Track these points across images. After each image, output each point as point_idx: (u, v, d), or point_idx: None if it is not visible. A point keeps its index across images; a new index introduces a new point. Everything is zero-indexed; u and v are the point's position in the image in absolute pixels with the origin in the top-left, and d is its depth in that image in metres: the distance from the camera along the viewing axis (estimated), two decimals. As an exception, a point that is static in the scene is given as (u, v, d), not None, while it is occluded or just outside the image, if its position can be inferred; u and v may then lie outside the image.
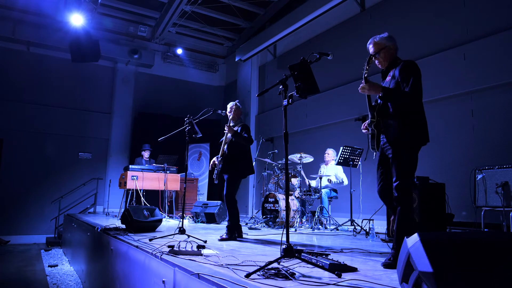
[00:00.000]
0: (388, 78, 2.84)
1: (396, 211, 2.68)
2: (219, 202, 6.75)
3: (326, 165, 6.75)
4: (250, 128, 7.51)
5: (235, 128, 4.46)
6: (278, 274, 2.12)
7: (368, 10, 7.54)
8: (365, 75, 2.73)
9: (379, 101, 2.82)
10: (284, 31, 8.69)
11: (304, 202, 6.30)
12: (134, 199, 6.82)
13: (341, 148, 5.94)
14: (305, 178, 6.57)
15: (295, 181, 6.35)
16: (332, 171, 6.55)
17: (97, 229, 4.78)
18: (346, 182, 6.49)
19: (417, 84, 2.65)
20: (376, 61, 2.90)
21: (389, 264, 2.56)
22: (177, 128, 4.67)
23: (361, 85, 2.75)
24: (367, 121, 2.83)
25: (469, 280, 1.44)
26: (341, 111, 7.62)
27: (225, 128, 4.34)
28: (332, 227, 5.76)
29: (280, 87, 2.70)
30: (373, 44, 2.88)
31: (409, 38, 6.36)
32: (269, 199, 6.18)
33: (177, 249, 2.84)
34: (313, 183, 6.52)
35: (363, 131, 2.91)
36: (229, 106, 4.66)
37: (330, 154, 6.70)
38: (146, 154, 8.31)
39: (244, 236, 4.41)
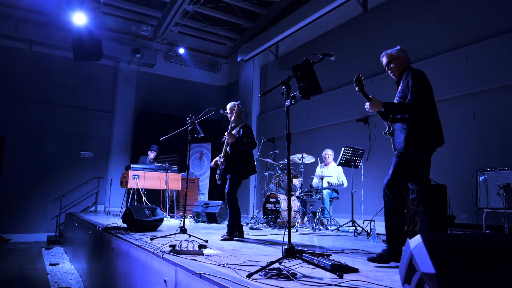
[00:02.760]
0: (399, 88, 3.02)
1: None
2: (220, 202, 6.76)
3: (326, 165, 6.73)
4: (252, 128, 7.48)
5: (236, 129, 4.45)
6: (280, 275, 2.13)
7: (371, 11, 7.54)
8: (370, 96, 2.89)
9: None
10: (286, 31, 8.68)
11: (305, 203, 6.31)
12: (135, 198, 6.83)
13: (343, 149, 5.93)
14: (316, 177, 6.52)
15: (296, 182, 6.35)
16: (334, 172, 6.55)
17: (99, 228, 4.79)
18: (346, 184, 6.49)
19: (417, 93, 2.78)
20: (389, 72, 3.08)
21: (373, 259, 2.75)
22: (179, 127, 4.64)
23: (366, 105, 2.93)
24: (386, 130, 3.10)
25: (471, 281, 1.44)
26: (343, 112, 7.62)
27: (225, 134, 4.32)
28: (333, 227, 5.76)
29: (283, 87, 2.70)
30: (386, 56, 3.07)
31: (411, 40, 6.35)
32: (270, 199, 6.18)
33: (179, 249, 2.85)
34: (315, 181, 6.52)
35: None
36: (228, 107, 4.63)
37: (331, 155, 6.69)
38: (151, 155, 8.27)
39: (245, 236, 4.42)
